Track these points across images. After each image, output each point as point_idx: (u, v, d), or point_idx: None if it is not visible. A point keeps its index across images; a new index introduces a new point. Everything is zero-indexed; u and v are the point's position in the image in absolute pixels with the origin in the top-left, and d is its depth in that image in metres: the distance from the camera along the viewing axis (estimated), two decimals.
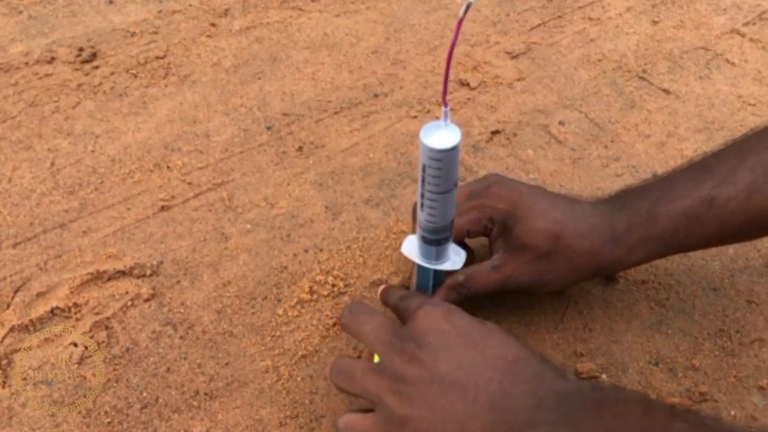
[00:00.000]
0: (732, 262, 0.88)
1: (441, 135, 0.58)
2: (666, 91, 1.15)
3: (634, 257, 0.69)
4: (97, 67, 1.18)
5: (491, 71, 1.17)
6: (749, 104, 1.12)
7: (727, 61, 1.21)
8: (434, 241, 0.68)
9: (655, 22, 1.30)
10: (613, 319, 0.82)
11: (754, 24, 1.29)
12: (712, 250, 0.89)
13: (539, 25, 1.30)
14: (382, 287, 0.76)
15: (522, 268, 0.71)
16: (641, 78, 1.17)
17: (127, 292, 0.84)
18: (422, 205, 0.64)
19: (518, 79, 1.16)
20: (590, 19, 1.31)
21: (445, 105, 0.57)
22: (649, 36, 1.26)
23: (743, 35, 1.27)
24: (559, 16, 1.32)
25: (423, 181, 0.62)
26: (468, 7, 0.48)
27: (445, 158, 0.59)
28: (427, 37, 1.26)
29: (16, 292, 0.84)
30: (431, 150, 0.58)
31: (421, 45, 1.24)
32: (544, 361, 0.59)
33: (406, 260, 0.87)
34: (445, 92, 0.55)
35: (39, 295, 0.83)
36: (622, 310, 0.82)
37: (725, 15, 1.32)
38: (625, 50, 1.23)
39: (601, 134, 1.06)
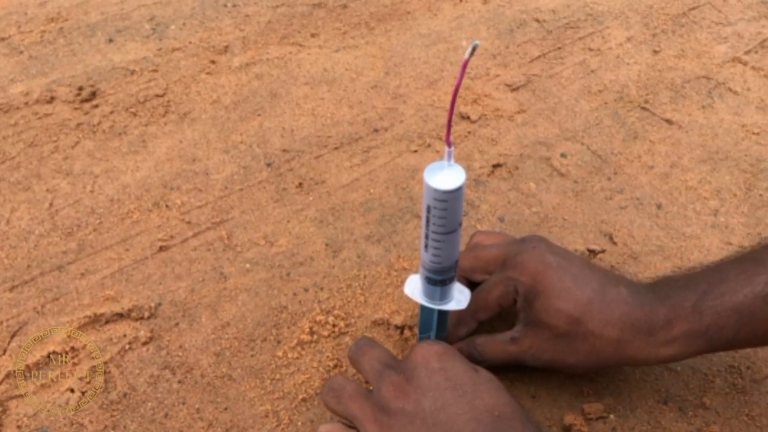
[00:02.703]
0: None
1: (445, 175, 0.57)
2: (668, 121, 1.14)
3: (670, 352, 0.64)
4: (96, 106, 1.18)
5: (492, 104, 1.17)
6: (753, 133, 1.11)
7: (730, 89, 1.20)
8: (439, 282, 0.67)
9: (656, 52, 1.30)
10: None
11: (756, 52, 1.29)
12: None
13: (539, 56, 1.30)
14: None
15: (540, 345, 0.69)
16: (643, 108, 1.17)
17: (125, 335, 0.82)
18: (426, 246, 0.63)
19: (519, 112, 1.16)
20: (590, 49, 1.31)
21: (449, 145, 0.56)
22: (651, 66, 1.26)
23: (745, 63, 1.26)
24: (559, 48, 1.32)
25: (427, 221, 0.61)
26: (474, 48, 0.47)
27: (450, 199, 0.58)
28: (426, 71, 1.26)
29: (12, 336, 0.82)
30: (436, 191, 0.57)
31: (421, 79, 1.24)
32: (528, 421, 0.58)
33: (409, 298, 0.85)
34: (448, 133, 0.54)
35: (36, 339, 0.82)
36: None
37: (726, 43, 1.32)
38: (627, 80, 1.23)
39: (604, 166, 1.05)
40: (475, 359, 0.72)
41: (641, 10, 1.43)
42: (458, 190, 0.57)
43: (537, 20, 1.40)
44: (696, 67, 1.26)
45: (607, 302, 0.65)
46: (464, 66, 0.48)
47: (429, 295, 0.69)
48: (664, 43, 1.32)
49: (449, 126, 0.53)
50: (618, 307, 0.65)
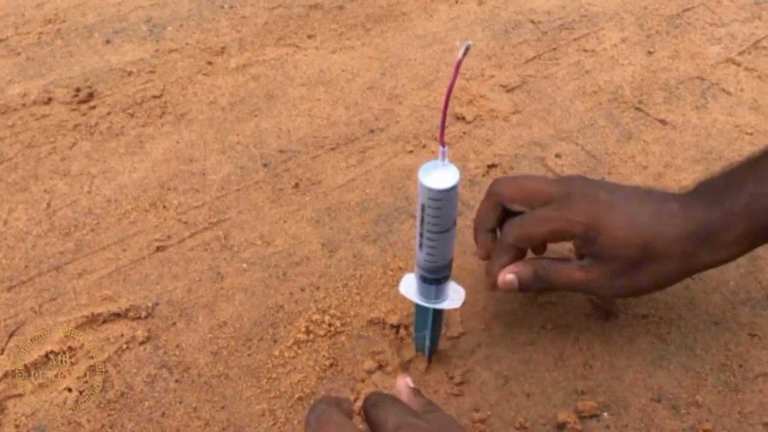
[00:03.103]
0: (733, 294, 0.87)
1: (439, 175, 0.58)
2: (662, 122, 1.15)
3: (729, 253, 0.68)
4: (93, 107, 1.18)
5: (487, 105, 1.17)
6: (746, 133, 1.12)
7: (723, 90, 1.21)
8: (433, 281, 0.67)
9: (650, 53, 1.31)
10: (614, 355, 0.80)
11: (749, 53, 1.30)
12: (713, 282, 0.88)
13: (534, 57, 1.30)
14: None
15: (611, 275, 0.70)
16: (637, 109, 1.18)
17: (122, 335, 0.83)
18: (421, 245, 0.64)
19: (514, 112, 1.16)
20: (585, 50, 1.32)
21: (443, 145, 0.57)
22: (645, 66, 1.27)
23: (738, 64, 1.27)
24: (554, 49, 1.33)
25: (422, 220, 0.61)
26: (468, 48, 0.48)
27: (445, 198, 0.58)
28: (422, 72, 1.27)
29: (10, 336, 0.83)
30: (430, 190, 0.58)
31: (417, 80, 1.25)
32: None
33: (404, 297, 0.86)
34: (442, 132, 0.55)
35: (33, 339, 0.82)
36: (622, 346, 0.81)
37: (720, 44, 1.33)
38: (621, 81, 1.24)
39: (599, 166, 1.06)
40: (540, 279, 0.71)
41: (636, 11, 1.44)
42: (452, 189, 0.58)
43: (532, 21, 1.41)
44: (690, 68, 1.27)
45: (664, 223, 0.68)
46: (457, 66, 0.48)
47: (424, 294, 0.70)
48: (659, 44, 1.33)
49: (443, 126, 0.54)
50: (675, 224, 0.68)
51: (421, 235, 0.63)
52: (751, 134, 1.12)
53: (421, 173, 0.58)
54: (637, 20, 1.41)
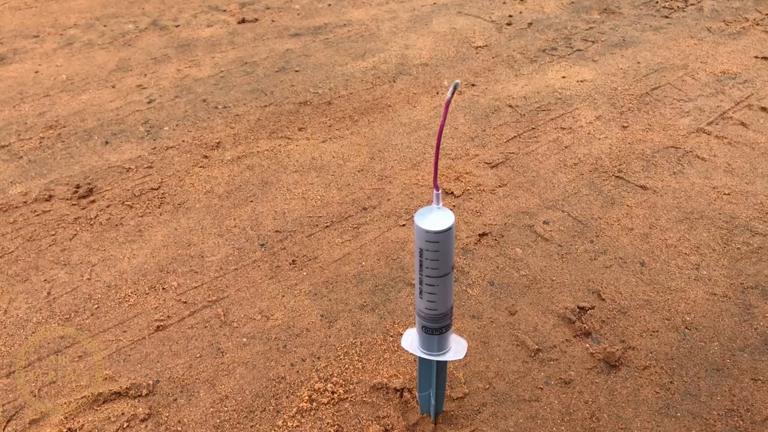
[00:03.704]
0: (731, 342, 0.88)
1: (435, 217, 0.60)
2: (643, 188, 1.19)
3: None
4: (93, 201, 1.22)
5: (473, 180, 1.22)
6: (724, 194, 1.16)
7: (698, 156, 1.27)
8: (436, 330, 0.68)
9: (624, 127, 1.38)
10: (620, 407, 0.80)
11: (717, 123, 1.37)
12: (709, 332, 0.89)
13: (514, 137, 1.37)
14: None
15: None
16: (618, 177, 1.23)
17: (123, 414, 0.81)
18: (421, 292, 0.65)
19: (500, 186, 1.21)
20: (563, 128, 1.39)
21: (437, 189, 0.60)
22: (621, 139, 1.34)
23: (709, 133, 1.34)
24: (533, 128, 1.40)
25: (420, 265, 0.63)
26: (456, 87, 0.51)
27: (441, 240, 0.60)
28: (409, 154, 1.32)
29: (8, 421, 0.81)
30: (427, 233, 0.60)
31: (405, 162, 1.30)
32: None
33: (406, 362, 0.86)
34: (435, 176, 0.58)
35: (32, 422, 0.81)
36: (627, 397, 0.81)
37: (689, 117, 1.41)
38: (599, 153, 1.30)
39: (586, 230, 1.09)
40: None
41: (607, 93, 1.52)
42: (448, 230, 0.60)
43: (510, 106, 1.49)
44: (663, 139, 1.34)
45: None
46: (447, 105, 0.52)
47: (426, 347, 0.70)
48: (632, 119, 1.41)
49: (436, 170, 0.57)
50: None
51: (421, 282, 0.64)
52: (728, 194, 1.16)
53: (417, 217, 0.61)
54: (609, 100, 1.49)
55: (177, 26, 2.11)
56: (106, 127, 1.48)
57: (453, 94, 0.51)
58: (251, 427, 0.80)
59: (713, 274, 0.99)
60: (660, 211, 1.13)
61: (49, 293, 1.01)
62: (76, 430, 0.80)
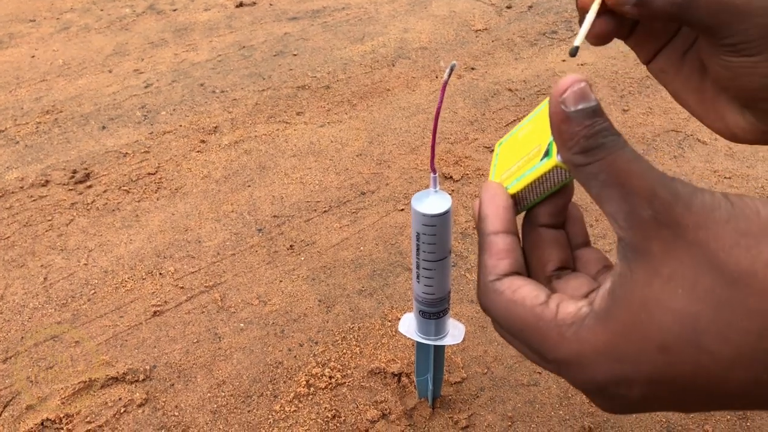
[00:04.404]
0: None
1: (432, 201, 0.60)
2: None
3: None
4: (90, 187, 1.21)
5: (472, 164, 1.21)
6: (725, 177, 1.15)
7: (699, 140, 1.26)
8: (433, 314, 0.67)
9: (624, 111, 1.37)
10: None
11: None
12: None
13: (514, 120, 1.36)
14: None
15: None
16: None
17: (120, 399, 0.81)
18: (418, 276, 0.64)
19: None
20: None
21: (434, 172, 0.59)
22: (621, 123, 1.32)
23: None
24: None
25: (417, 249, 0.62)
26: (452, 69, 0.50)
27: (439, 223, 0.60)
28: (408, 138, 1.31)
29: (5, 407, 0.81)
30: (424, 216, 0.59)
31: (403, 146, 1.29)
32: None
33: (404, 347, 0.86)
34: (432, 159, 0.57)
35: (29, 408, 0.80)
36: None
37: None
38: None
39: (586, 214, 1.08)
40: (633, 12, 0.42)
41: (607, 76, 1.51)
42: (445, 214, 0.59)
43: (509, 90, 1.48)
44: (664, 122, 1.32)
45: None
46: (443, 87, 0.51)
47: (424, 331, 0.70)
48: (632, 103, 1.40)
49: (433, 153, 0.56)
50: None
51: (418, 266, 0.64)
52: (729, 178, 1.15)
53: (414, 201, 0.60)
54: (609, 83, 1.48)
55: (174, 10, 2.09)
56: (103, 112, 1.47)
57: (450, 75, 0.50)
58: (248, 412, 0.80)
59: None
60: None
61: (45, 279, 1.01)
62: (73, 415, 0.80)
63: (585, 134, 0.30)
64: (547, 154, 0.35)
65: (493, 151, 1.22)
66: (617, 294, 0.30)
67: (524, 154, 0.39)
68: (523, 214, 0.39)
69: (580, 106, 0.30)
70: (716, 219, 0.28)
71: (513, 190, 0.38)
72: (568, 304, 0.32)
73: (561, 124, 0.31)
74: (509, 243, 0.36)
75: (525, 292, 0.34)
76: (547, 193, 0.37)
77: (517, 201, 0.38)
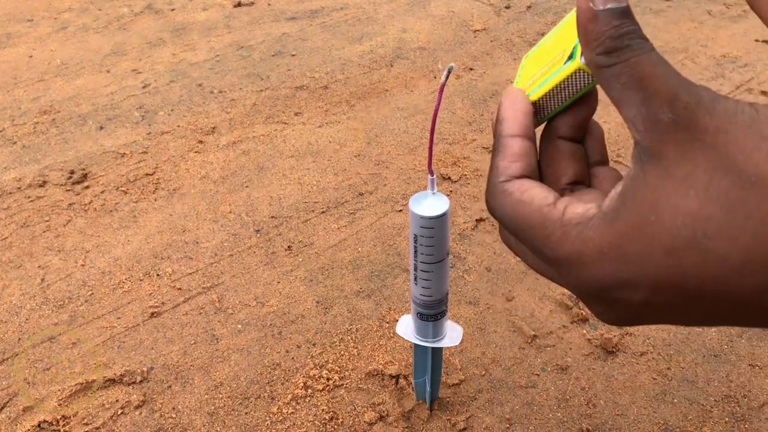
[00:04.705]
0: (728, 327, 0.87)
1: (430, 203, 0.59)
2: None
3: None
4: (87, 187, 1.21)
5: (470, 165, 1.21)
6: None
7: None
8: (430, 317, 0.67)
9: None
10: (617, 393, 0.80)
11: None
12: None
13: None
14: None
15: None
16: (617, 162, 1.21)
17: (117, 401, 0.81)
18: (416, 278, 0.64)
19: None
20: None
21: (431, 174, 0.59)
22: (620, 123, 1.32)
23: None
24: None
25: (415, 251, 0.62)
26: (450, 71, 0.50)
27: (436, 226, 0.59)
28: (406, 139, 1.31)
29: (2, 408, 0.81)
30: (422, 218, 0.59)
31: (402, 147, 1.29)
32: None
33: (402, 349, 0.86)
34: (430, 161, 0.57)
35: (26, 409, 0.80)
36: (624, 383, 0.81)
37: None
38: None
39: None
40: None
41: None
42: (443, 216, 0.59)
43: None
44: None
45: None
46: (441, 89, 0.51)
47: (421, 334, 0.69)
48: None
49: (430, 154, 0.56)
50: None
51: (416, 268, 0.63)
52: None
53: (412, 203, 0.60)
54: None
55: (172, 10, 2.08)
56: (100, 112, 1.47)
57: (447, 77, 0.49)
58: (246, 413, 0.79)
59: None
60: None
61: (42, 280, 1.00)
62: (70, 417, 0.79)
63: (611, 34, 0.29)
64: (571, 57, 0.34)
65: (490, 151, 1.21)
66: (627, 195, 0.29)
67: (549, 60, 0.38)
68: (542, 126, 0.38)
69: (609, 6, 0.29)
70: (738, 123, 0.26)
71: (535, 96, 0.37)
72: (577, 206, 0.31)
73: (588, 23, 0.30)
74: (525, 147, 0.35)
75: (534, 193, 0.33)
76: (569, 101, 0.36)
77: (539, 109, 0.37)
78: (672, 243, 0.27)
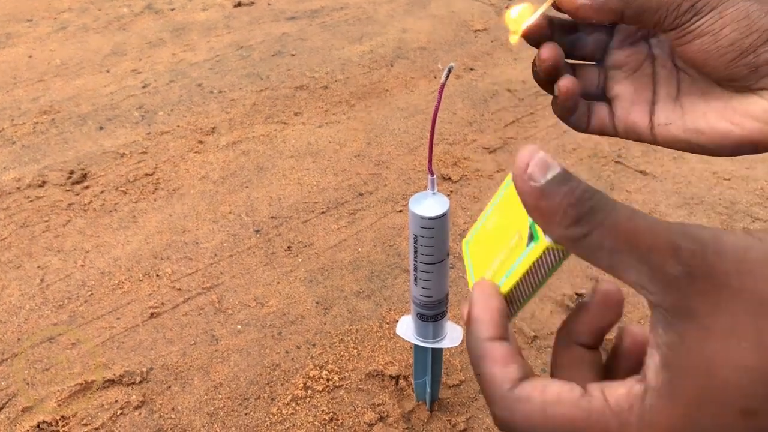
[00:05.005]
0: None
1: (430, 203, 0.59)
2: (643, 173, 1.18)
3: None
4: (87, 187, 1.20)
5: (471, 165, 1.21)
6: (724, 179, 1.15)
7: None
8: (431, 317, 0.67)
9: None
10: None
11: None
12: None
13: (513, 122, 1.35)
14: None
15: None
16: (617, 162, 1.21)
17: (116, 401, 0.81)
18: (416, 279, 0.64)
19: (498, 171, 1.20)
20: None
21: (432, 174, 0.58)
22: None
23: None
24: (532, 113, 1.38)
25: (415, 252, 0.62)
26: (450, 70, 0.50)
27: (436, 226, 0.59)
28: (406, 139, 1.31)
29: (1, 408, 0.81)
30: (422, 219, 0.59)
31: (402, 147, 1.28)
32: None
33: (402, 349, 0.85)
34: (430, 161, 0.57)
35: (25, 410, 0.80)
36: None
37: None
38: (599, 139, 1.28)
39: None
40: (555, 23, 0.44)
41: None
42: (443, 216, 0.59)
43: (509, 90, 1.48)
44: None
45: None
46: (441, 89, 0.51)
47: (422, 334, 0.69)
48: None
49: (431, 155, 0.56)
50: None
51: (416, 269, 0.63)
52: (728, 179, 1.15)
53: (412, 203, 0.59)
54: None
55: (172, 10, 2.08)
56: (100, 112, 1.46)
57: (447, 77, 0.49)
58: (245, 414, 0.79)
59: None
60: (659, 197, 1.12)
61: (42, 280, 1.00)
62: (69, 417, 0.79)
63: (570, 202, 0.26)
64: (532, 237, 0.31)
65: (490, 151, 1.21)
66: (673, 365, 0.26)
67: (503, 246, 0.35)
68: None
69: (549, 176, 0.27)
70: (755, 260, 0.25)
71: (506, 287, 0.33)
72: (615, 387, 0.27)
73: (538, 201, 0.27)
74: (510, 348, 0.31)
75: (556, 388, 0.28)
76: (542, 282, 0.33)
77: (512, 299, 0.34)
78: (746, 404, 0.25)
